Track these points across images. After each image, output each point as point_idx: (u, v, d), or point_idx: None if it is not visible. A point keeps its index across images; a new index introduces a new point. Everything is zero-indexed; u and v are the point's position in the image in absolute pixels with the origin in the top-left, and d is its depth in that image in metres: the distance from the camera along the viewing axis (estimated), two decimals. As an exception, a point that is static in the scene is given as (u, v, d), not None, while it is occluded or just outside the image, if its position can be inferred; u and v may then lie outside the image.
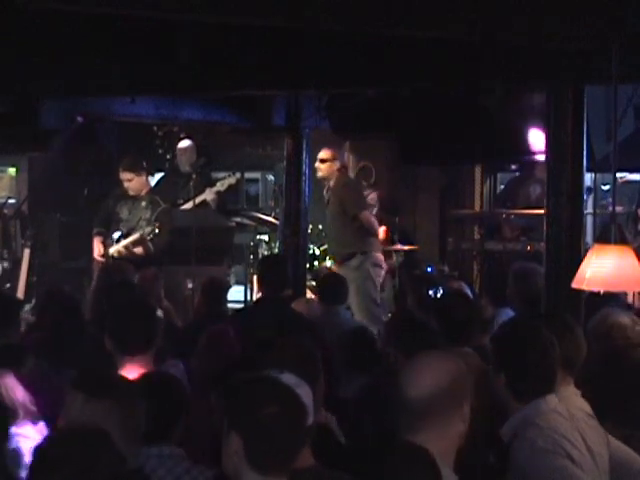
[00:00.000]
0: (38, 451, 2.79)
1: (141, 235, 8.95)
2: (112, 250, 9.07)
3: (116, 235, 9.13)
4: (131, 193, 9.21)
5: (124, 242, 9.06)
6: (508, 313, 6.61)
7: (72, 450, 2.70)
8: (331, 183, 9.14)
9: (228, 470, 2.97)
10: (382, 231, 9.73)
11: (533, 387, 3.65)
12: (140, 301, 5.51)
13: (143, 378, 3.94)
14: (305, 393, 3.29)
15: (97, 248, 9.12)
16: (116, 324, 4.68)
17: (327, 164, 9.08)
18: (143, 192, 9.25)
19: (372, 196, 10.56)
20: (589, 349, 4.08)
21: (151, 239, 8.96)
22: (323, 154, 9.11)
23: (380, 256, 9.02)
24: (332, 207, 9.13)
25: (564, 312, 5.15)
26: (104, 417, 3.24)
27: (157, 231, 8.89)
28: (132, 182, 9.18)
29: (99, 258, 9.06)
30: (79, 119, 8.88)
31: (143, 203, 9.22)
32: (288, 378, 3.27)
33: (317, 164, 9.10)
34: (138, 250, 9.02)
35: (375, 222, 9.07)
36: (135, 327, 4.60)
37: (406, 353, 4.96)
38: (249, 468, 2.90)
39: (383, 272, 9.06)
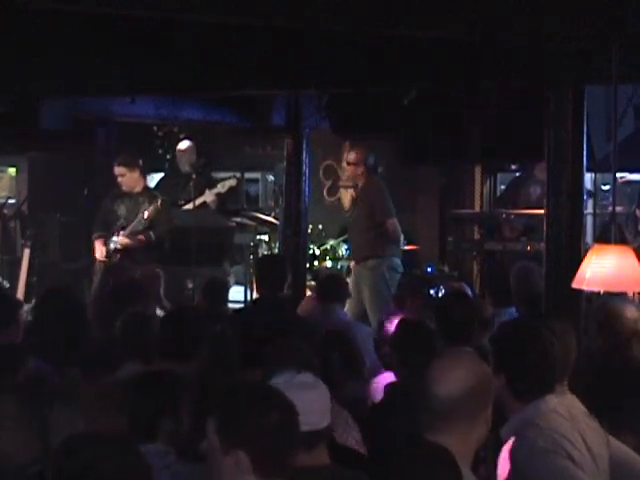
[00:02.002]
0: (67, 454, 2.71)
1: (143, 218, 8.95)
2: (114, 244, 9.05)
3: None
4: (124, 189, 9.22)
5: (125, 232, 9.06)
6: (512, 313, 6.61)
7: (103, 453, 2.66)
8: (359, 185, 9.16)
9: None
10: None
11: (533, 387, 3.64)
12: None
13: (136, 376, 3.95)
14: (323, 393, 3.29)
15: (99, 250, 9.10)
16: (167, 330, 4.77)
17: (352, 167, 9.12)
18: (138, 189, 9.25)
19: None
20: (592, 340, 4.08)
21: (150, 226, 8.97)
22: (350, 157, 9.15)
23: (398, 261, 9.00)
24: (359, 209, 9.14)
25: (558, 315, 5.17)
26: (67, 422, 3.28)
27: (159, 207, 8.90)
28: (125, 177, 9.19)
29: (102, 259, 9.04)
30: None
31: (141, 199, 9.22)
32: (306, 377, 3.27)
33: (344, 164, 9.15)
34: (140, 237, 9.03)
35: (400, 230, 9.06)
36: (182, 333, 4.70)
37: (402, 354, 4.97)
38: (255, 476, 2.88)
39: (399, 276, 9.04)
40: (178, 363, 4.62)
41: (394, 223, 8.94)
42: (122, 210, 9.21)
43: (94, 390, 3.52)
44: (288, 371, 3.29)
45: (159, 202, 9.01)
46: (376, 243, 8.88)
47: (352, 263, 9.33)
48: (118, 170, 9.20)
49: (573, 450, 3.49)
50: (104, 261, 9.02)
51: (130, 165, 9.21)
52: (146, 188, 9.42)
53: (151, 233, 9.03)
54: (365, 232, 8.96)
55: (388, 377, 5.23)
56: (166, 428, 3.76)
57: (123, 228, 9.12)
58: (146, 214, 8.98)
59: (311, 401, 3.22)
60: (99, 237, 9.17)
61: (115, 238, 9.06)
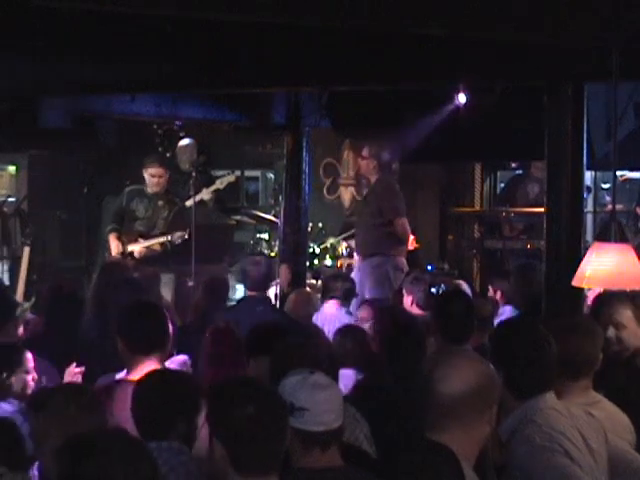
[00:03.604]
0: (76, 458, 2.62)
1: (168, 239, 8.93)
2: (133, 248, 9.03)
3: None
4: (154, 190, 9.15)
5: (147, 243, 9.03)
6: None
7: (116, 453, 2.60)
8: (371, 180, 9.13)
9: (217, 475, 2.96)
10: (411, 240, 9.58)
11: (532, 385, 3.65)
12: (152, 301, 5.54)
13: (148, 375, 3.95)
14: (336, 393, 3.31)
15: (114, 245, 9.08)
16: (130, 324, 4.69)
17: (365, 161, 9.10)
18: (162, 191, 9.23)
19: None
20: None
21: (168, 231, 8.96)
22: (364, 151, 9.13)
23: (403, 261, 8.94)
24: (368, 206, 9.10)
25: (572, 313, 5.17)
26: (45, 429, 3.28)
27: (186, 237, 8.88)
28: (162, 179, 9.16)
29: (117, 255, 9.02)
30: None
31: (160, 202, 9.18)
32: (319, 377, 3.28)
33: (359, 160, 9.15)
34: (156, 247, 9.03)
35: (409, 230, 9.00)
36: (150, 326, 4.62)
37: (390, 353, 4.97)
38: (235, 472, 2.89)
39: (403, 276, 9.00)
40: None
41: (403, 223, 8.86)
42: (141, 211, 9.16)
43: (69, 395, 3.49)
44: (301, 371, 3.30)
45: (187, 231, 8.96)
46: (383, 241, 8.82)
47: (356, 258, 9.28)
48: (158, 171, 9.14)
49: (571, 447, 3.50)
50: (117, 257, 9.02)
51: (167, 166, 9.22)
52: (166, 191, 9.38)
53: (168, 244, 8.99)
54: (373, 229, 8.89)
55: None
56: (184, 427, 3.77)
57: (142, 235, 9.09)
58: (174, 237, 8.95)
59: (325, 401, 3.24)
60: (113, 230, 9.13)
61: (132, 247, 9.04)
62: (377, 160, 9.02)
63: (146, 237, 9.09)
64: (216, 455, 2.91)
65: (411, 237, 9.13)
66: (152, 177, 9.14)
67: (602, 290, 5.39)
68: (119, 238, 9.07)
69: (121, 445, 2.60)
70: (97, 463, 2.52)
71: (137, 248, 9.02)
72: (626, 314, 4.63)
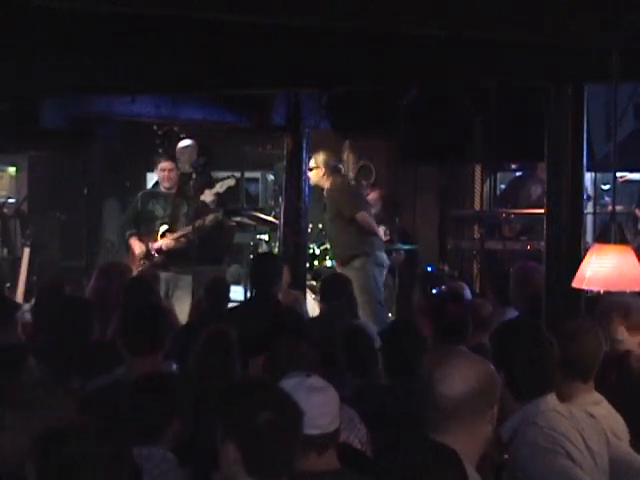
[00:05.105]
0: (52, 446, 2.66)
1: (200, 223, 8.94)
2: (160, 244, 9.04)
3: (162, 229, 9.14)
4: (166, 185, 9.23)
5: (177, 235, 9.07)
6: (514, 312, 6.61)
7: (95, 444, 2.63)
8: (326, 186, 9.14)
9: (226, 477, 2.96)
10: (383, 231, 9.58)
11: (532, 386, 3.65)
12: (149, 302, 5.54)
13: (141, 378, 3.95)
14: (332, 396, 3.31)
15: (138, 247, 9.11)
16: (127, 325, 4.70)
17: (313, 172, 9.11)
18: (175, 188, 9.27)
19: (372, 196, 10.56)
20: None
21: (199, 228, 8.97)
22: (310, 162, 9.13)
23: (383, 255, 8.95)
24: (329, 211, 9.13)
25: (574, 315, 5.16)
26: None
27: (220, 217, 8.89)
28: (173, 172, 9.21)
29: (141, 255, 9.06)
30: None
31: (177, 199, 9.24)
32: (315, 381, 3.28)
33: (308, 173, 9.16)
34: (183, 240, 9.05)
35: (373, 222, 8.98)
36: (145, 328, 4.63)
37: (384, 358, 4.97)
38: (247, 475, 2.89)
39: (385, 271, 9.01)
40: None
41: (364, 215, 8.86)
42: (159, 210, 9.22)
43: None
44: (298, 374, 3.30)
45: (221, 212, 9.00)
46: (357, 241, 8.82)
47: (337, 265, 9.28)
48: (167, 165, 9.21)
49: (572, 449, 3.49)
50: (142, 258, 9.06)
51: (174, 161, 9.26)
52: (180, 188, 9.41)
53: (191, 235, 9.02)
54: (342, 233, 8.91)
55: None
56: (173, 429, 3.76)
57: (168, 230, 9.12)
58: (207, 220, 8.98)
59: (321, 404, 3.24)
60: (132, 235, 9.20)
61: (159, 243, 9.07)
62: (324, 167, 9.03)
63: (172, 231, 9.13)
64: (229, 458, 2.89)
65: (382, 228, 9.14)
66: (163, 171, 9.24)
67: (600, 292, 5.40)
68: (141, 240, 9.12)
69: (98, 433, 2.63)
70: (75, 449, 2.54)
71: (165, 242, 9.06)
72: (619, 330, 4.70)
